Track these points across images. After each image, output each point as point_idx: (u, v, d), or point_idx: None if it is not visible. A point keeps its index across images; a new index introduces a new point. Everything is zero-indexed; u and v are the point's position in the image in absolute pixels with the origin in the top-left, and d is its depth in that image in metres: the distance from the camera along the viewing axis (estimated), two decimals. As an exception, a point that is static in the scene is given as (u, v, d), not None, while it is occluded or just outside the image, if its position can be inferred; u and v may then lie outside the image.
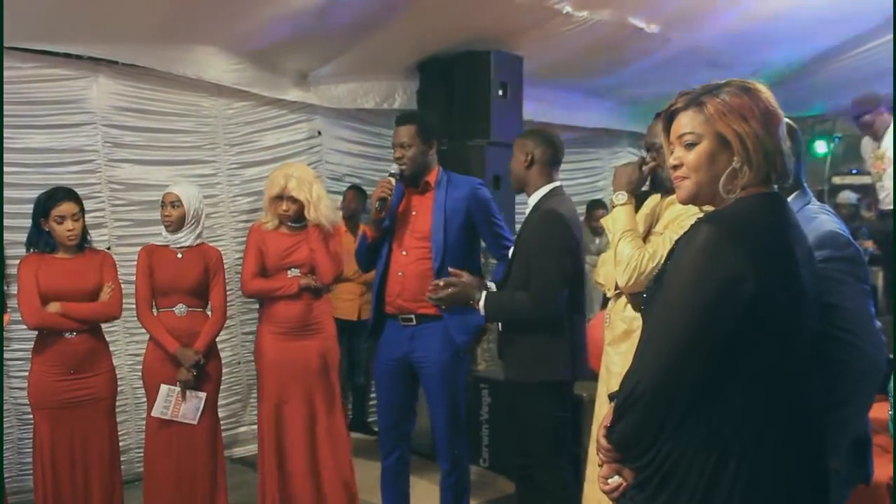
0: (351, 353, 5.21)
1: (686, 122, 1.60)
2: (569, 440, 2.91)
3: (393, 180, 3.05)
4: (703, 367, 1.48)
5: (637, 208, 2.55)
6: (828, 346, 1.71)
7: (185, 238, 3.54)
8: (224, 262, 3.67)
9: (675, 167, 1.61)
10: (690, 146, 1.60)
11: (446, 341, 3.16)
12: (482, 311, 2.82)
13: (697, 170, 1.58)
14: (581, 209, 6.40)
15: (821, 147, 7.05)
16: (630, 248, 2.36)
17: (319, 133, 5.19)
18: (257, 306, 3.80)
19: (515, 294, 2.80)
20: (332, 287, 3.70)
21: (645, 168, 2.51)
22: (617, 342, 2.55)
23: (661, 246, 2.34)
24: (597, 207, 6.33)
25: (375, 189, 3.08)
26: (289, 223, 3.59)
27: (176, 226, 3.50)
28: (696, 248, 1.49)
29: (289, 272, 3.58)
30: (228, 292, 3.78)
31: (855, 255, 1.87)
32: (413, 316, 3.18)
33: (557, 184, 2.91)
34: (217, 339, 3.62)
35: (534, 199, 2.90)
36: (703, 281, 1.46)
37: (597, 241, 6.21)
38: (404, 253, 3.15)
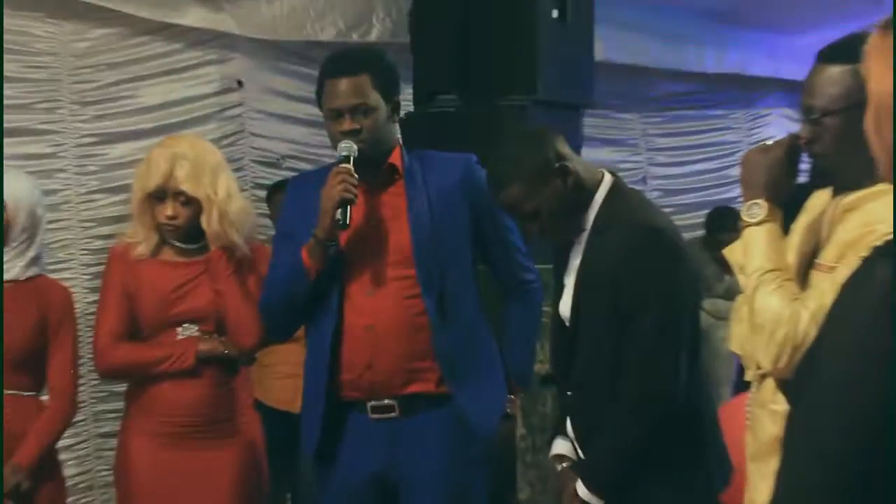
0: (295, 472, 4.99)
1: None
2: None
3: (350, 167, 3.11)
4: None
5: (791, 215, 2.57)
6: None
7: (10, 266, 3.55)
8: (75, 308, 3.69)
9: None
10: None
11: (458, 438, 3.22)
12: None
13: None
14: (692, 219, 6.61)
15: None
16: (777, 301, 2.36)
17: (240, 84, 5.23)
18: (122, 390, 3.81)
19: (606, 430, 2.91)
20: (255, 355, 3.76)
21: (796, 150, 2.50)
22: (764, 456, 2.50)
23: (831, 296, 2.15)
24: (726, 221, 6.26)
25: (328, 185, 3.12)
26: (177, 242, 3.59)
27: None
28: (872, 302, 1.51)
29: (179, 330, 3.59)
30: (81, 363, 3.81)
31: None
32: (395, 402, 3.19)
33: (604, 171, 3.04)
34: (60, 445, 3.67)
35: (587, 219, 2.99)
36: (878, 357, 1.48)
37: (726, 277, 6.28)
38: (369, 293, 3.19)
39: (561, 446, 3.09)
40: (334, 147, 3.21)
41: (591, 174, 3.02)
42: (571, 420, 3.08)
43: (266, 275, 3.38)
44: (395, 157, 3.28)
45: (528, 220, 3.01)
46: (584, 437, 3.05)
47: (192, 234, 3.58)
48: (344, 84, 3.17)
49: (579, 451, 3.06)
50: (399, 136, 3.42)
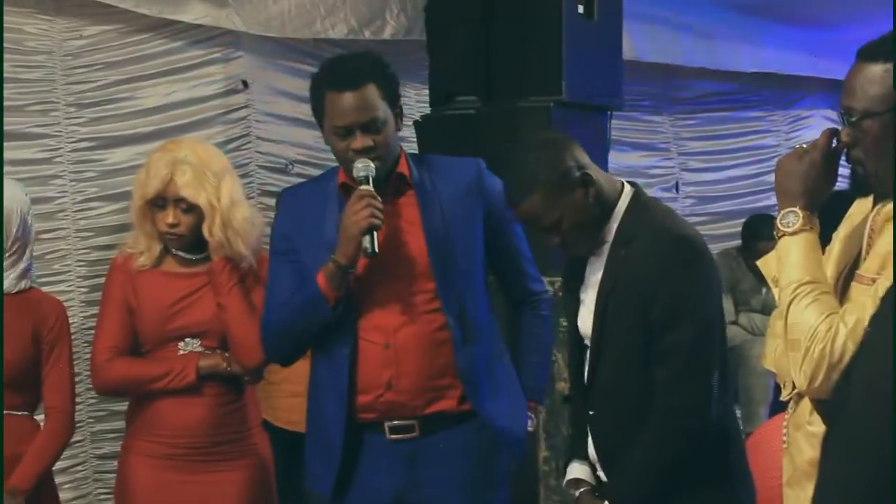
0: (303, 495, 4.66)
1: None
2: None
3: (372, 189, 3.12)
4: None
5: (831, 223, 2.60)
6: None
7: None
8: (70, 323, 3.70)
9: None
10: None
11: (480, 457, 3.24)
12: None
13: None
14: (728, 228, 6.66)
15: None
16: (813, 315, 2.35)
17: (245, 85, 5.22)
18: (122, 409, 3.84)
19: (636, 449, 2.94)
20: (263, 372, 3.74)
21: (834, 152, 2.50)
22: (800, 481, 2.52)
23: (872, 309, 2.22)
24: (763, 230, 6.06)
25: (352, 210, 3.11)
26: (180, 252, 3.62)
27: None
28: None
29: (180, 345, 3.60)
30: (77, 380, 3.79)
31: None
32: (415, 421, 3.18)
33: (623, 181, 3.10)
34: (56, 467, 3.68)
35: (607, 232, 3.03)
36: None
37: (763, 290, 6.28)
38: (386, 309, 3.19)
39: (577, 470, 3.10)
40: (344, 166, 3.21)
41: (611, 184, 3.04)
42: (595, 439, 3.09)
43: (267, 297, 3.37)
44: (403, 166, 3.29)
45: (549, 231, 3.02)
46: (608, 457, 3.05)
47: (195, 244, 3.59)
48: (350, 99, 3.16)
49: (601, 473, 3.06)
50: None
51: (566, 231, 3.00)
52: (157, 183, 3.54)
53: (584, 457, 3.11)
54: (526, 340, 3.38)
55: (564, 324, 4.34)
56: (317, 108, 3.23)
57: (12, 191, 3.58)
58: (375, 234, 3.09)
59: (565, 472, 3.22)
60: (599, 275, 3.02)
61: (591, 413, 3.05)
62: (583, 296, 3.11)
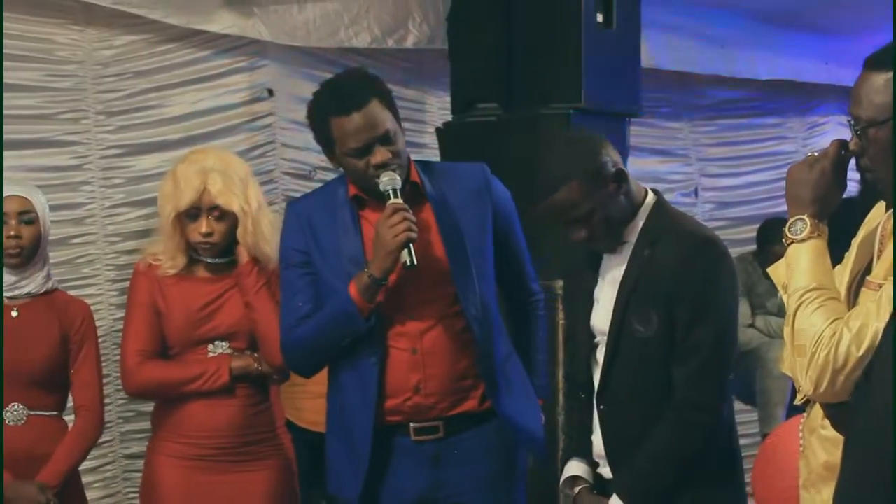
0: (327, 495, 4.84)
1: None
2: None
3: (400, 200, 3.12)
4: None
5: (841, 229, 2.59)
6: None
7: (29, 281, 3.58)
8: (98, 326, 3.74)
9: None
10: None
11: (502, 455, 3.25)
12: None
13: None
14: (747, 232, 6.61)
15: None
16: (819, 321, 2.35)
17: (270, 93, 5.17)
18: (150, 409, 3.86)
19: (649, 442, 2.96)
20: (289, 372, 3.68)
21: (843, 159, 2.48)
22: (816, 483, 2.52)
23: (876, 314, 2.29)
24: (777, 233, 6.03)
25: (387, 224, 3.09)
26: (209, 259, 3.67)
27: (27, 256, 3.57)
28: None
29: (210, 347, 3.62)
30: (106, 381, 3.88)
31: None
32: (440, 423, 3.18)
33: (646, 187, 3.14)
34: (83, 467, 3.69)
35: (629, 233, 3.07)
36: None
37: (779, 293, 5.97)
38: (411, 315, 3.20)
39: (575, 468, 3.10)
40: (363, 184, 3.19)
41: (637, 186, 3.07)
42: (605, 435, 3.09)
43: (284, 311, 3.34)
44: (414, 175, 3.29)
45: (578, 223, 3.02)
46: (618, 453, 3.06)
47: (221, 250, 3.62)
48: (359, 119, 3.14)
49: (603, 471, 3.07)
50: None
51: (596, 224, 3.01)
52: (190, 194, 3.55)
53: (583, 455, 3.12)
54: (533, 340, 3.39)
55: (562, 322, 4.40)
56: (323, 136, 3.21)
57: (40, 196, 3.63)
58: (412, 246, 3.09)
59: (562, 469, 3.20)
60: (618, 273, 3.04)
61: (601, 408, 3.05)
62: (598, 294, 3.11)
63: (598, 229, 3.04)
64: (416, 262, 3.08)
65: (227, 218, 3.57)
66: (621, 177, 3.01)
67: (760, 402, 5.94)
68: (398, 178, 3.12)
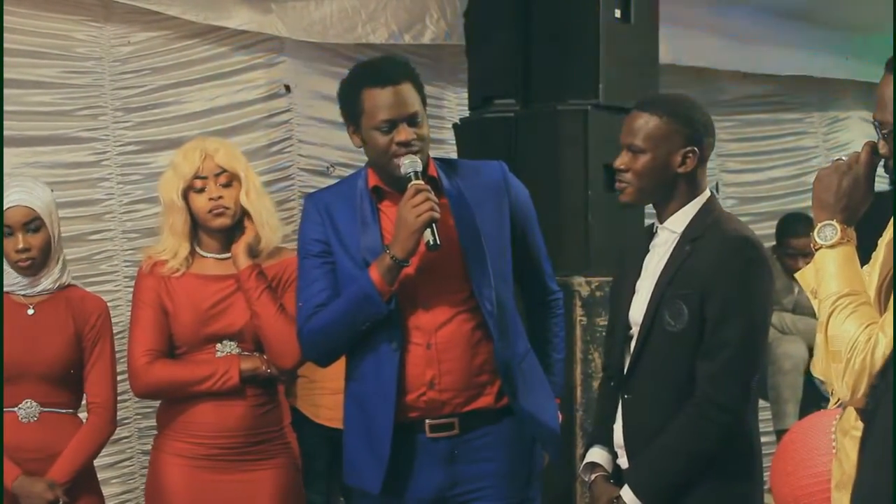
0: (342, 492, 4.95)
1: None
2: None
3: (422, 182, 3.11)
4: None
5: (874, 223, 2.58)
6: None
7: (44, 280, 3.59)
8: (115, 322, 3.76)
9: None
10: None
11: (518, 452, 3.24)
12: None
13: None
14: (768, 228, 6.55)
15: None
16: (854, 326, 2.35)
17: (288, 89, 5.23)
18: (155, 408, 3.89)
19: (665, 435, 2.98)
20: (296, 373, 3.82)
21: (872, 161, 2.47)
22: (848, 485, 2.48)
23: None
24: (795, 227, 6.17)
25: (409, 204, 3.08)
26: (210, 254, 3.65)
27: (39, 264, 3.56)
28: None
29: (218, 346, 3.61)
30: (123, 378, 3.75)
31: None
32: (455, 419, 3.18)
33: (708, 191, 3.15)
34: (101, 463, 3.78)
35: (677, 222, 3.08)
36: None
37: (796, 290, 6.15)
38: (426, 309, 3.19)
39: (596, 455, 3.12)
40: (385, 163, 3.20)
41: (703, 179, 3.09)
42: (626, 423, 3.11)
43: (300, 299, 3.34)
44: (432, 169, 3.29)
45: (633, 151, 3.04)
46: (635, 442, 3.09)
47: (226, 243, 3.60)
48: (392, 93, 3.17)
49: (621, 461, 3.09)
50: None
51: (639, 169, 3.04)
52: (193, 163, 3.56)
53: (605, 443, 3.13)
54: (551, 339, 3.41)
55: (603, 323, 4.38)
56: (352, 107, 3.21)
57: (42, 191, 3.61)
58: (435, 225, 3.09)
59: (584, 455, 3.22)
60: (659, 266, 3.06)
61: (625, 398, 3.07)
62: (639, 285, 3.14)
63: (636, 175, 3.06)
64: (439, 243, 3.08)
65: (234, 185, 3.58)
66: (694, 154, 3.03)
67: (772, 398, 5.91)
68: (419, 161, 3.12)
